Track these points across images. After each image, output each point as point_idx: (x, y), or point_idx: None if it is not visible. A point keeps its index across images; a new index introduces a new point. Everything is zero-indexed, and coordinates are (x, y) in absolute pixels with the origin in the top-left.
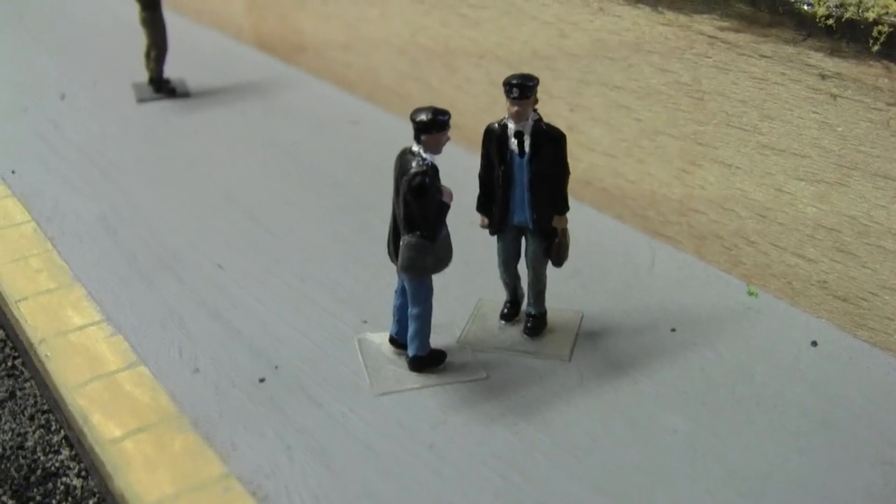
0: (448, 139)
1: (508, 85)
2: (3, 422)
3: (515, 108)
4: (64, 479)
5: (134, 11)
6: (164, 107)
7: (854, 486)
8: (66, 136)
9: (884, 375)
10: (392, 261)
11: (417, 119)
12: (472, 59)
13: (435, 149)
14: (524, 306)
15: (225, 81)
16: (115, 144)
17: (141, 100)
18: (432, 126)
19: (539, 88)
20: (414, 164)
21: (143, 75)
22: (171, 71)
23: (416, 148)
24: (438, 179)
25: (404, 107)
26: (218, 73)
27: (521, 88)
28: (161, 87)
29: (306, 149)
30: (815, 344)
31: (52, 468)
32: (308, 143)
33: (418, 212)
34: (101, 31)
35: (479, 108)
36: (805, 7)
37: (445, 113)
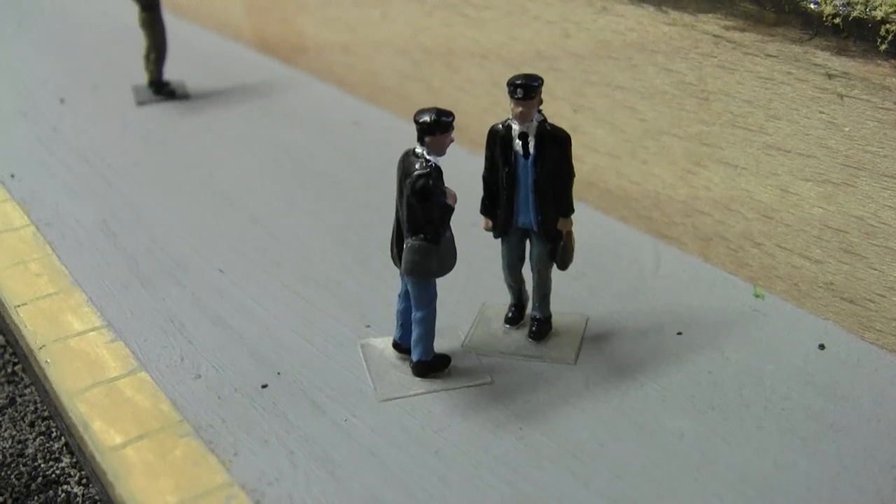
0: (452, 141)
1: (512, 85)
2: (3, 429)
3: (520, 109)
4: (65, 486)
5: (133, 14)
6: (163, 109)
7: (864, 490)
8: (66, 140)
9: (892, 378)
10: (395, 264)
11: (421, 120)
12: (474, 60)
13: (439, 150)
14: (529, 310)
15: (225, 83)
16: (115, 148)
17: (140, 102)
18: (436, 127)
19: (543, 89)
20: (417, 165)
21: (142, 78)
22: (170, 73)
23: (419, 149)
24: (442, 181)
25: (406, 108)
26: (218, 75)
27: (526, 89)
28: (161, 89)
29: (308, 151)
30: (822, 347)
31: (53, 476)
32: (309, 144)
33: (422, 214)
34: (101, 35)
35: (481, 108)
36: (811, 5)
37: (449, 114)
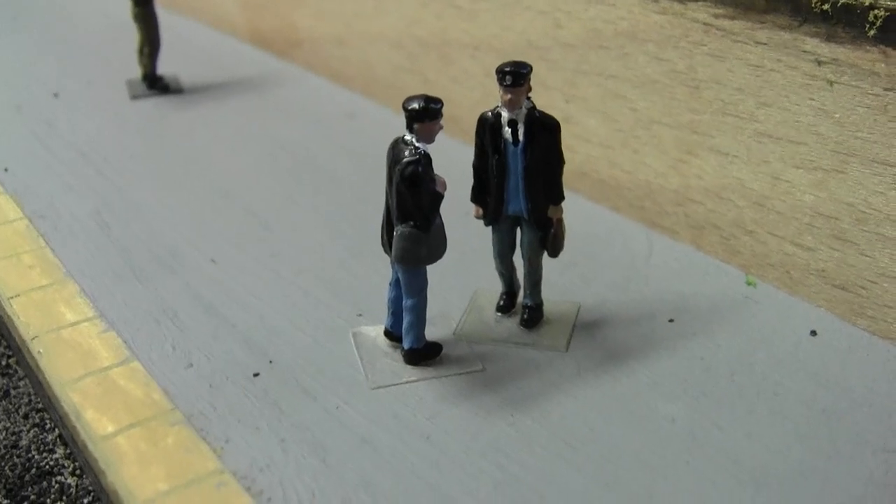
0: (441, 128)
1: (501, 72)
2: None
3: (509, 96)
4: (58, 477)
5: (126, 8)
6: (157, 103)
7: (855, 474)
8: (60, 134)
9: (883, 364)
10: (386, 252)
11: (410, 107)
12: (467, 51)
13: (428, 137)
14: (520, 297)
15: (219, 77)
16: (109, 141)
17: (134, 96)
18: (425, 114)
19: (534, 80)
20: (406, 153)
21: (136, 72)
22: (164, 67)
23: (408, 137)
24: (431, 168)
25: (400, 100)
26: (212, 69)
27: (514, 76)
28: (154, 83)
29: (302, 143)
30: (814, 333)
31: (47, 467)
32: (304, 137)
33: (412, 201)
34: (95, 29)
35: (474, 100)
36: None
37: (438, 101)
